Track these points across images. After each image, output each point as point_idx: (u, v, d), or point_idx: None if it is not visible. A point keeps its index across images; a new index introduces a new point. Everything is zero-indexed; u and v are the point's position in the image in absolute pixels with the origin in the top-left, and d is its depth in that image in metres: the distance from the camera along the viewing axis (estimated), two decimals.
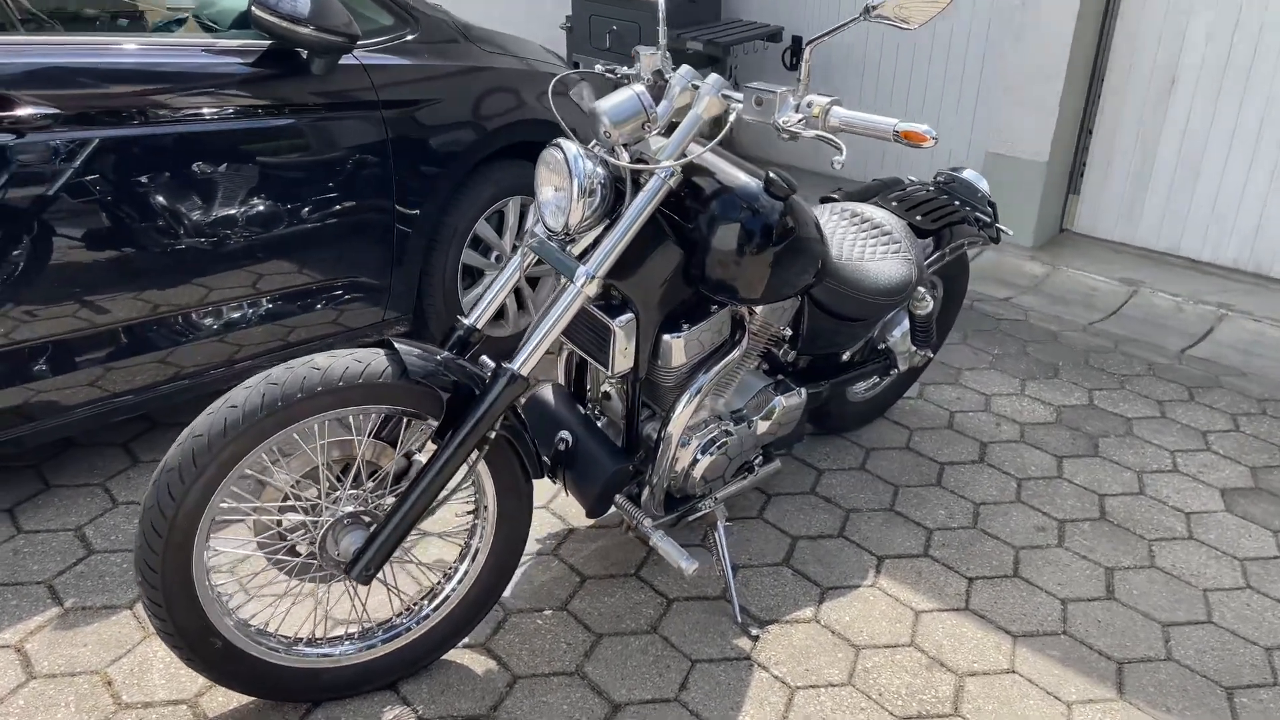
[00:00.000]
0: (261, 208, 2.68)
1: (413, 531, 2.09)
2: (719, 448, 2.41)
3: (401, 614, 2.17)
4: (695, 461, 2.38)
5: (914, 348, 2.99)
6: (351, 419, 1.96)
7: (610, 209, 2.03)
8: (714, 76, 2.04)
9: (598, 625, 2.38)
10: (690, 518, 2.48)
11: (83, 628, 2.25)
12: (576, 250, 2.06)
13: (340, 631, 2.14)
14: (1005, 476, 3.07)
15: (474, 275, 3.45)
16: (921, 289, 2.84)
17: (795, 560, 2.65)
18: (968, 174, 3.10)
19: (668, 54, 2.30)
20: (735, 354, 2.32)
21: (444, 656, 2.25)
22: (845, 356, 2.84)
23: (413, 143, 2.97)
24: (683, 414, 2.26)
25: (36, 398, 2.43)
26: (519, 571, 2.53)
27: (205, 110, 2.54)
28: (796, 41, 5.61)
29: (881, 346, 3.02)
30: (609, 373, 2.17)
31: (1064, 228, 5.04)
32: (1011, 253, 4.76)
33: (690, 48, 5.14)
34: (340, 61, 2.80)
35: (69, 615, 2.29)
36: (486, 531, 2.14)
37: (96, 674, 2.13)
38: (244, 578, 2.33)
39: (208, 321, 2.68)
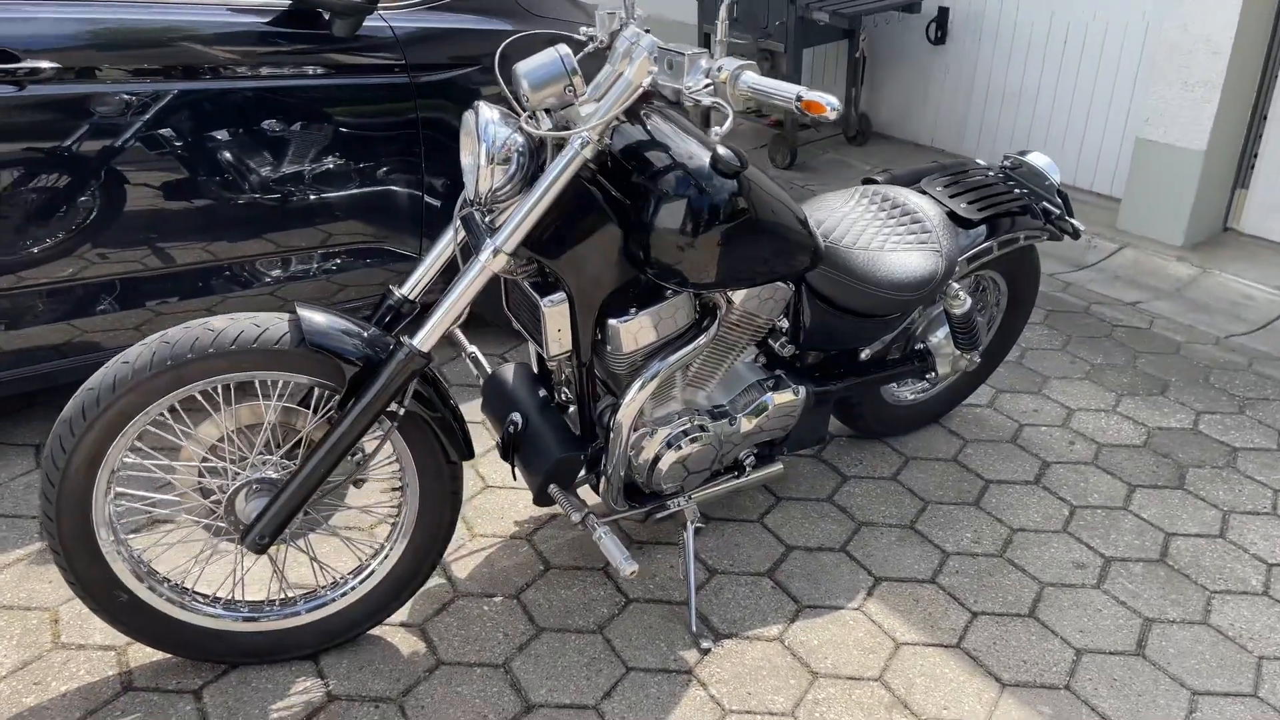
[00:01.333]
0: (276, 171, 2.70)
1: (335, 504, 2.05)
2: (692, 442, 2.24)
3: (326, 585, 2.14)
4: (660, 455, 2.22)
5: (957, 350, 2.69)
6: (257, 384, 1.93)
7: (532, 179, 1.90)
8: (648, 39, 1.86)
9: (543, 618, 2.27)
10: (659, 515, 2.33)
11: (52, 565, 2.34)
12: (499, 222, 1.94)
13: (262, 596, 2.13)
14: (1058, 502, 2.73)
15: None
16: (955, 285, 2.54)
17: (781, 572, 2.44)
18: (1035, 158, 2.75)
19: (633, 11, 2.13)
20: (700, 341, 2.13)
21: (375, 633, 2.20)
22: (865, 354, 2.58)
23: (444, 110, 2.92)
24: (633, 402, 2.11)
25: (76, 337, 2.54)
26: (483, 554, 2.45)
27: (220, 69, 2.57)
28: (943, 13, 5.21)
29: (919, 346, 2.73)
30: (545, 354, 2.04)
31: (1228, 226, 4.45)
32: (1154, 250, 4.25)
33: (817, 19, 4.86)
34: (367, 23, 2.77)
35: (47, 552, 2.40)
36: (409, 511, 2.07)
37: (47, 611, 2.22)
38: (160, 533, 2.35)
39: (224, 280, 2.74)
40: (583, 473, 2.28)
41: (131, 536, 1.98)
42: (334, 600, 2.11)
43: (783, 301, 2.26)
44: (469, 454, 2.07)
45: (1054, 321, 3.73)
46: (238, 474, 1.94)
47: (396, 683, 2.09)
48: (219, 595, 2.07)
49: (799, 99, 1.64)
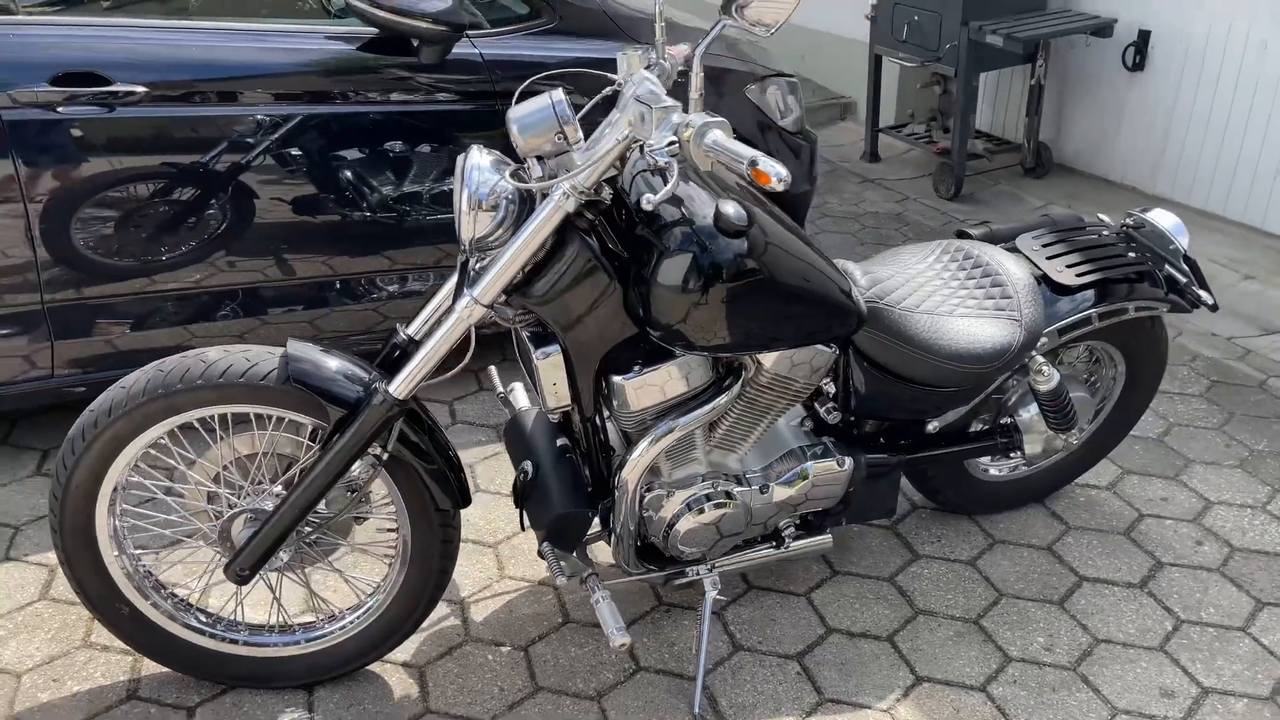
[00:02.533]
0: (359, 194, 2.75)
1: (336, 539, 2.04)
2: (716, 508, 2.09)
3: (323, 619, 2.14)
4: (677, 518, 2.09)
5: (1049, 431, 2.39)
6: (252, 416, 1.94)
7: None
8: (646, 88, 1.72)
9: (544, 677, 2.18)
10: (677, 582, 2.19)
11: None
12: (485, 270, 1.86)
13: (262, 621, 2.15)
14: (1162, 613, 2.37)
15: None
16: (1039, 358, 2.25)
17: (812, 657, 2.24)
18: (1159, 217, 2.40)
19: (668, 54, 1.99)
20: (720, 402, 1.98)
21: (376, 669, 2.18)
22: (933, 426, 2.33)
23: None
24: (639, 461, 1.98)
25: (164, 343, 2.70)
26: (506, 597, 2.39)
27: (308, 96, 2.63)
28: (1143, 37, 4.72)
29: (1006, 421, 2.45)
30: (543, 407, 1.95)
31: None
32: None
33: (991, 42, 4.51)
34: (456, 49, 2.77)
35: None
36: (402, 555, 2.04)
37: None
38: (168, 551, 2.40)
39: (306, 294, 2.81)
40: (598, 529, 2.18)
41: (140, 552, 2.03)
42: (328, 634, 2.10)
43: (823, 365, 2.07)
44: (462, 503, 2.01)
45: (1217, 395, 3.27)
46: (233, 503, 1.97)
47: None
48: (221, 616, 2.11)
49: (752, 164, 1.47)
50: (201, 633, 2.07)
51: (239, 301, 2.75)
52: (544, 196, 1.75)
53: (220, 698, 2.11)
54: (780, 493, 2.16)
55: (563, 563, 2.03)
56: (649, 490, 2.08)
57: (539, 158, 1.78)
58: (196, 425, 1.94)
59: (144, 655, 2.06)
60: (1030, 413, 2.42)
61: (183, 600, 2.08)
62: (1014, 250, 2.37)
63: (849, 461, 2.20)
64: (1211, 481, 2.84)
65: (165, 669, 2.15)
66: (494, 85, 2.82)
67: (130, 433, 1.85)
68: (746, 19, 1.69)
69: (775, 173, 1.45)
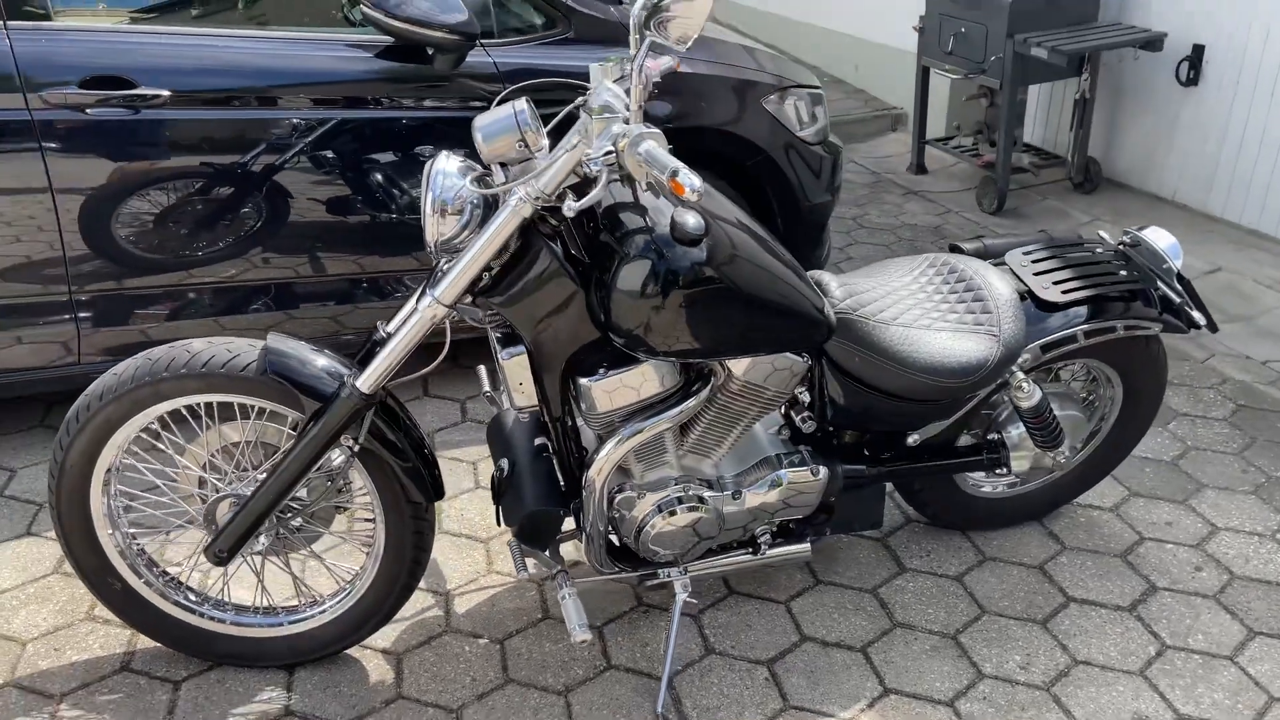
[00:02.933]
0: (372, 197, 2.85)
1: (317, 528, 2.13)
2: (688, 510, 2.13)
3: (306, 602, 2.22)
4: (647, 520, 2.13)
5: (1036, 449, 2.37)
6: (236, 406, 2.03)
7: None
8: (602, 98, 1.77)
9: (516, 670, 2.24)
10: (649, 583, 2.23)
11: None
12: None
13: (249, 603, 2.24)
14: (1148, 637, 2.33)
15: None
16: (1019, 374, 2.23)
17: (782, 664, 2.26)
18: (1153, 235, 2.37)
19: (642, 64, 2.03)
20: (687, 406, 2.01)
21: (356, 654, 2.26)
22: (914, 439, 2.33)
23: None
24: (605, 461, 2.02)
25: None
26: (490, 591, 2.45)
27: (322, 102, 2.74)
28: (1198, 51, 4.61)
29: (993, 437, 2.43)
30: (512, 406, 2.01)
31: None
32: None
33: (1036, 55, 4.45)
34: (471, 58, 2.85)
35: None
36: (378, 544, 2.11)
37: None
38: (163, 529, 2.49)
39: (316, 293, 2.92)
40: (572, 527, 2.23)
41: (134, 531, 2.14)
42: (310, 618, 2.19)
43: (795, 374, 2.09)
44: (434, 496, 2.08)
45: (1241, 419, 3.19)
46: (218, 488, 2.07)
47: (351, 709, 2.14)
48: (209, 596, 2.21)
49: (673, 174, 1.51)
50: (190, 611, 2.17)
51: (255, 296, 2.87)
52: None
53: (206, 674, 2.21)
54: (753, 499, 2.19)
55: (528, 559, 2.09)
56: (620, 491, 2.12)
57: (503, 164, 1.84)
58: (185, 413, 2.05)
59: (135, 629, 2.17)
60: (1019, 429, 2.40)
61: (173, 579, 2.19)
62: (1002, 265, 2.36)
63: (824, 471, 2.21)
64: (1221, 507, 2.78)
65: (158, 644, 2.26)
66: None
67: (120, 417, 1.96)
68: (670, 35, 1.68)
69: (690, 185, 1.49)
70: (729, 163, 3.27)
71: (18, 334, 2.68)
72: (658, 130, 1.62)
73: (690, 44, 1.60)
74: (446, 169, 1.83)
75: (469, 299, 1.89)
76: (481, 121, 1.80)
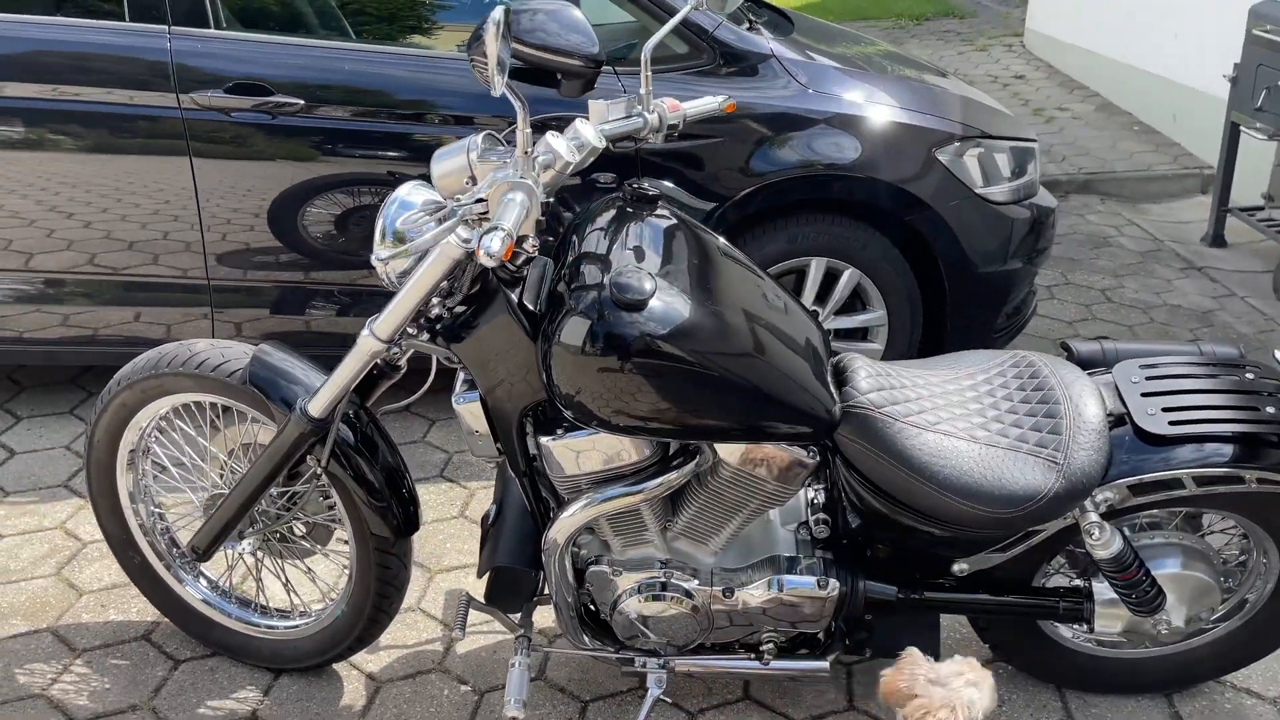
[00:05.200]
0: None
1: (300, 544, 2.14)
2: (670, 602, 1.91)
3: (295, 612, 2.23)
4: (620, 600, 1.93)
5: (1129, 611, 1.90)
6: (234, 408, 2.07)
7: None
8: (543, 144, 1.60)
9: None
10: (625, 668, 2.03)
11: None
12: None
13: (251, 600, 2.29)
14: None
15: None
16: (1092, 517, 1.78)
17: None
18: None
19: (653, 105, 1.85)
20: (667, 479, 1.78)
21: (342, 671, 2.24)
22: (961, 567, 1.94)
23: (671, 176, 2.80)
24: (566, 524, 1.84)
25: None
26: (497, 638, 2.35)
27: (449, 118, 2.77)
28: None
29: (1078, 583, 1.98)
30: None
31: None
32: None
33: None
34: (601, 84, 2.76)
35: None
36: (350, 570, 2.08)
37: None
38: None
39: None
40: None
41: (159, 510, 2.25)
42: (293, 628, 2.20)
43: (800, 469, 1.81)
44: (403, 532, 2.01)
45: None
46: (216, 484, 2.13)
47: None
48: (218, 584, 2.28)
49: (489, 230, 1.32)
50: (196, 593, 2.25)
51: (368, 301, 2.96)
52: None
53: (204, 660, 2.28)
54: (748, 601, 1.92)
55: (486, 615, 1.96)
56: (595, 562, 1.95)
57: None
58: (207, 408, 2.12)
59: (150, 602, 2.28)
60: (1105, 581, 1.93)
61: (189, 561, 2.28)
62: (1107, 378, 1.90)
63: (835, 586, 1.90)
64: None
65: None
66: None
67: (135, 404, 2.06)
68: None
69: (485, 248, 1.31)
70: (887, 216, 2.93)
71: (160, 310, 2.94)
72: (528, 184, 1.46)
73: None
74: (402, 197, 1.75)
75: (425, 336, 1.80)
76: (437, 155, 1.71)
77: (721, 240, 1.91)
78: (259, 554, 2.13)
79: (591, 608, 2.02)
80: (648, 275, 1.63)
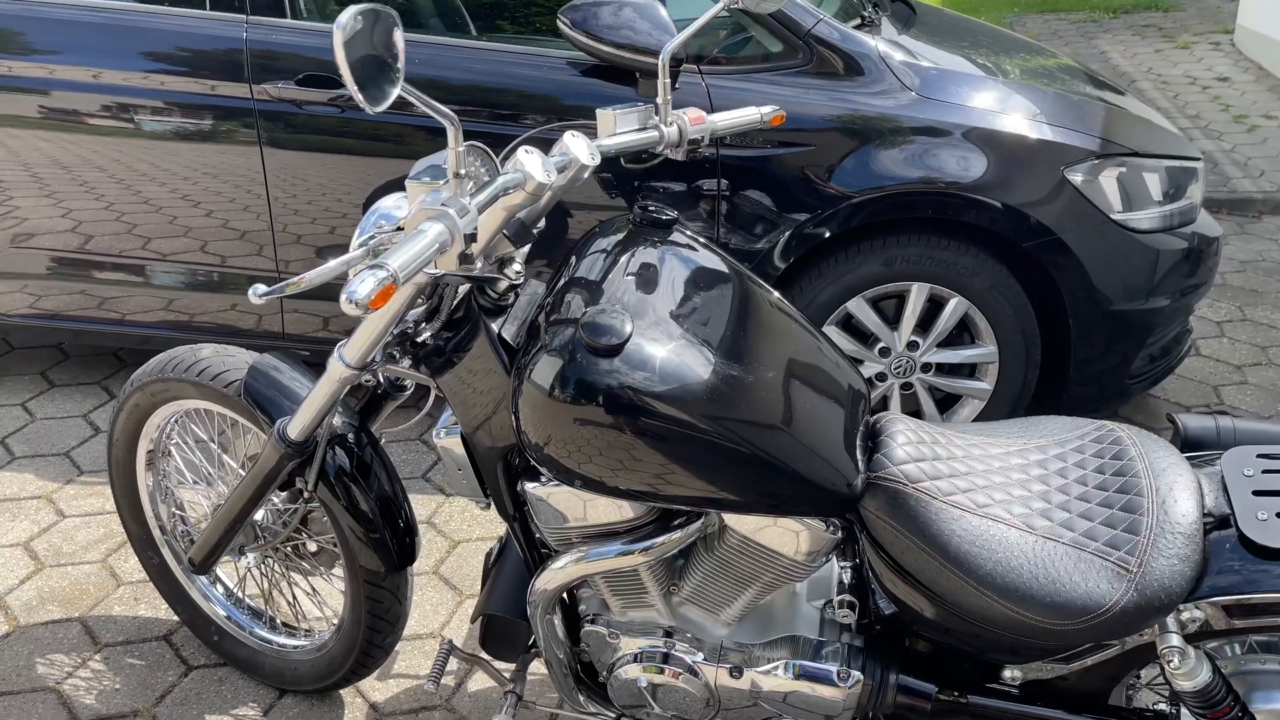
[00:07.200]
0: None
1: (305, 564, 2.04)
2: (675, 673, 1.70)
3: (299, 630, 2.14)
4: (617, 665, 1.73)
5: None
6: (240, 416, 1.97)
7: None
8: (518, 159, 1.39)
9: None
10: None
11: None
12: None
13: (261, 612, 2.20)
14: None
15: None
16: (1175, 639, 1.44)
17: None
18: None
19: (672, 117, 1.62)
20: (664, 541, 1.56)
21: (347, 701, 2.13)
22: (1013, 673, 1.63)
23: (754, 185, 2.55)
24: (553, 575, 1.65)
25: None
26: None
27: (523, 115, 2.61)
28: None
29: (1161, 707, 1.64)
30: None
31: None
32: None
33: None
34: (684, 83, 2.53)
35: None
36: (346, 598, 1.95)
37: None
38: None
39: None
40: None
41: (179, 513, 2.19)
42: (296, 649, 2.10)
43: (818, 543, 1.56)
44: (395, 565, 1.86)
45: None
46: (222, 493, 2.04)
47: None
48: (233, 591, 2.21)
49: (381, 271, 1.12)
50: (209, 600, 2.18)
51: None
52: None
53: (214, 669, 2.21)
54: (757, 683, 1.69)
55: (464, 664, 1.79)
56: (592, 621, 1.75)
57: None
58: (216, 416, 2.04)
59: (166, 602, 2.23)
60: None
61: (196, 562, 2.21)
62: (1213, 468, 1.55)
63: (858, 679, 1.64)
64: None
65: None
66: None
67: (148, 405, 2.00)
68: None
69: (348, 293, 1.11)
70: (1002, 242, 2.58)
71: (232, 299, 2.91)
72: (450, 213, 1.26)
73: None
74: (383, 208, 1.59)
75: (408, 362, 1.64)
76: (418, 165, 1.54)
77: (746, 274, 1.67)
78: (264, 569, 2.04)
79: (590, 662, 1.83)
80: (627, 316, 1.41)
